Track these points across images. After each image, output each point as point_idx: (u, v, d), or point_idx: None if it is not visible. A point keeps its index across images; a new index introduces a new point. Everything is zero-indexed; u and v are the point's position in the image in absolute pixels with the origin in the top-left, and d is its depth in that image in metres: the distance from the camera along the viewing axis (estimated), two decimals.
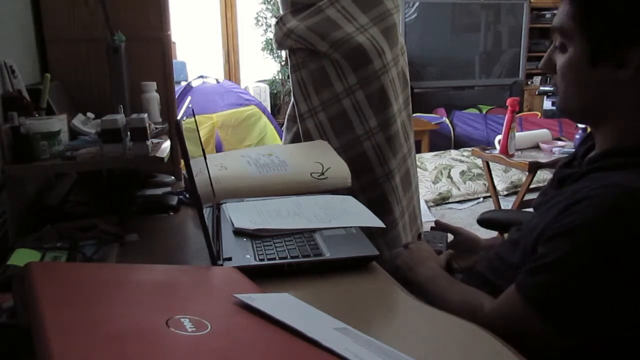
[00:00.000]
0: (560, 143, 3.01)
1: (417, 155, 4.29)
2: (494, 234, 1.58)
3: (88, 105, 1.47)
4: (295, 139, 1.87)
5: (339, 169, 1.45)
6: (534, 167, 2.73)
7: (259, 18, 4.95)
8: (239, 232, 1.08)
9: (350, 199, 1.29)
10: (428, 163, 4.14)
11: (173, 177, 1.62)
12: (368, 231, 1.11)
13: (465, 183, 3.90)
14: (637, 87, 0.80)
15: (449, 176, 3.95)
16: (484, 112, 5.13)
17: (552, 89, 4.59)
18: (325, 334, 0.65)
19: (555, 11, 0.90)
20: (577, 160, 0.94)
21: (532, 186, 2.89)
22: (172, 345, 0.56)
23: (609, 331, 0.77)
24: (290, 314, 0.70)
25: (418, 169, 3.98)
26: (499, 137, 2.92)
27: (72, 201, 1.40)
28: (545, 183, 1.03)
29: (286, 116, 1.94)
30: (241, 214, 1.16)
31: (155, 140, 1.33)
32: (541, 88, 5.20)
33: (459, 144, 4.86)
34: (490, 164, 3.13)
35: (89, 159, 1.19)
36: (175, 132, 1.33)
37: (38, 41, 1.54)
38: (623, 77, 0.79)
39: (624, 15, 0.78)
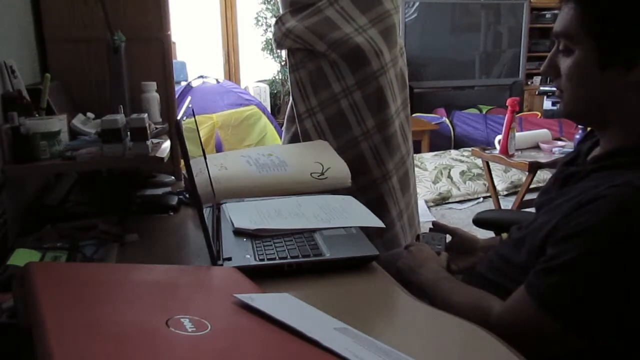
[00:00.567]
0: (560, 143, 3.01)
1: (417, 155, 4.30)
2: (492, 234, 1.58)
3: (88, 105, 1.47)
4: (294, 140, 1.88)
5: (338, 169, 1.45)
6: (534, 167, 2.73)
7: (259, 18, 4.95)
8: (239, 232, 1.08)
9: (350, 199, 1.29)
10: (428, 163, 4.13)
11: (173, 177, 1.62)
12: (365, 232, 1.11)
13: (465, 183, 3.90)
14: None
15: (449, 176, 3.95)
16: (484, 112, 5.13)
17: (552, 89, 4.59)
18: (325, 334, 0.65)
19: (555, 11, 0.89)
20: (580, 159, 0.94)
21: (532, 186, 2.88)
22: (172, 345, 0.56)
23: (623, 331, 0.76)
24: (290, 314, 0.70)
25: (418, 169, 4.01)
26: (499, 137, 2.92)
27: (72, 201, 1.40)
28: (546, 183, 1.03)
29: (285, 116, 1.94)
30: (241, 214, 1.16)
31: (155, 140, 1.33)
32: (541, 88, 5.20)
33: (459, 144, 4.86)
34: (490, 164, 3.13)
35: (89, 159, 1.19)
36: (175, 132, 1.33)
37: (38, 41, 1.54)
38: (633, 79, 0.79)
39: (633, 19, 0.78)
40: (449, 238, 1.27)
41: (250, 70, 5.26)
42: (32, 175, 1.36)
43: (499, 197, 3.42)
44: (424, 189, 3.80)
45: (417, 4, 5.15)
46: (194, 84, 4.29)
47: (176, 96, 2.07)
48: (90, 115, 1.41)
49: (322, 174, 1.41)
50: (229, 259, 0.96)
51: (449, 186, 3.86)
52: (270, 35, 4.94)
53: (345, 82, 1.72)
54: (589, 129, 1.00)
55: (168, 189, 1.51)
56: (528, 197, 2.85)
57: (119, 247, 1.12)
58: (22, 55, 1.42)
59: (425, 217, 3.47)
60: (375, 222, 1.15)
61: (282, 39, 1.74)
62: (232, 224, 1.11)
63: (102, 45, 1.46)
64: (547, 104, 4.90)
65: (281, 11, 1.79)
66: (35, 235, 1.13)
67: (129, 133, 1.21)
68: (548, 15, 5.67)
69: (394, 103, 1.80)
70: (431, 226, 1.31)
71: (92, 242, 1.11)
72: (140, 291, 0.72)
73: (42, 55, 1.56)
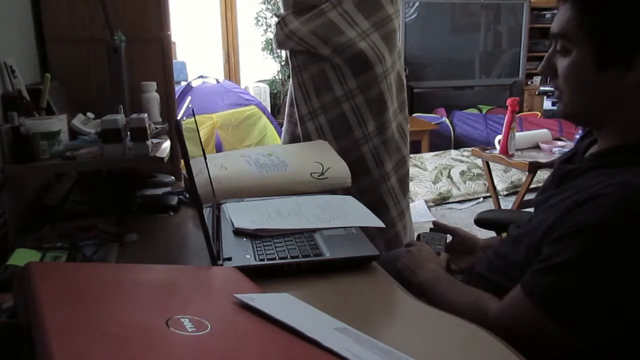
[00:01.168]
0: (560, 143, 3.01)
1: (417, 155, 4.30)
2: (493, 234, 1.58)
3: (88, 105, 1.47)
4: (294, 141, 1.88)
5: (339, 169, 1.46)
6: (534, 167, 2.73)
7: (259, 18, 4.95)
8: (239, 232, 1.08)
9: (350, 199, 1.29)
10: (428, 163, 4.13)
11: (173, 177, 1.62)
12: (367, 232, 1.11)
13: (465, 183, 3.89)
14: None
15: (449, 176, 3.95)
16: (484, 112, 5.13)
17: (552, 89, 4.59)
18: (325, 334, 0.65)
19: (555, 11, 0.88)
20: (577, 156, 0.94)
21: (532, 186, 2.88)
22: (172, 345, 0.56)
23: (621, 329, 0.76)
24: (290, 314, 0.70)
25: (418, 169, 4.01)
26: (499, 137, 2.92)
27: (72, 201, 1.40)
28: (544, 181, 1.03)
29: (285, 117, 1.94)
30: (241, 214, 1.16)
31: (155, 140, 1.33)
32: (541, 88, 5.20)
33: (459, 144, 4.86)
34: (490, 164, 3.13)
35: (89, 159, 1.19)
36: (175, 132, 1.33)
37: (38, 41, 1.54)
38: (631, 80, 0.79)
39: (631, 20, 0.77)
40: (449, 238, 1.27)
41: (250, 70, 5.26)
42: (32, 175, 1.36)
43: (499, 197, 3.42)
44: (424, 189, 3.80)
45: (417, 4, 5.15)
46: (194, 84, 4.29)
47: (176, 96, 2.07)
48: (90, 115, 1.41)
49: (322, 174, 1.42)
50: (229, 259, 0.96)
51: (449, 186, 3.86)
52: (270, 35, 4.94)
53: (348, 85, 1.73)
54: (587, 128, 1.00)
55: (168, 189, 1.51)
56: (528, 197, 2.85)
57: (119, 247, 1.12)
58: (22, 55, 1.42)
59: (425, 217, 3.47)
60: (375, 222, 1.15)
61: (285, 40, 1.74)
62: (232, 224, 1.11)
63: (102, 45, 1.46)
64: (547, 104, 4.90)
65: (282, 10, 1.79)
66: (35, 235, 1.13)
67: (129, 133, 1.21)
68: (548, 15, 5.67)
69: (391, 106, 1.81)
70: (432, 226, 1.31)
71: (92, 242, 1.11)
72: (140, 291, 0.72)
73: (42, 55, 1.56)
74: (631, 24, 0.78)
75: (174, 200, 1.39)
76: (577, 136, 2.86)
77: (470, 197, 3.82)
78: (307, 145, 1.70)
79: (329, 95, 1.75)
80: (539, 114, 5.26)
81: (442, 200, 3.76)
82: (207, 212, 1.14)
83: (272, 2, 4.88)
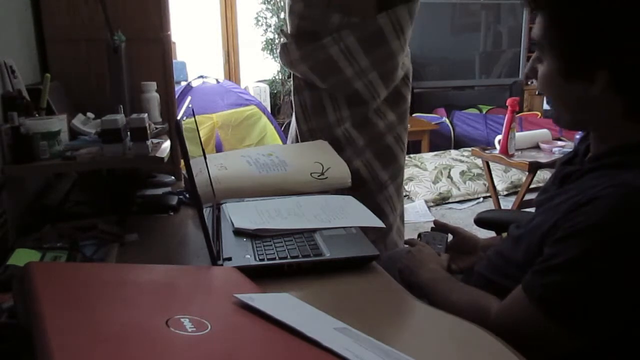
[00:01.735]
0: (560, 143, 3.01)
1: (417, 155, 4.30)
2: (493, 234, 1.58)
3: (88, 105, 1.47)
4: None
5: (339, 169, 1.46)
6: (534, 167, 2.73)
7: (259, 18, 4.94)
8: (239, 232, 1.08)
9: (350, 199, 1.29)
10: (428, 163, 4.13)
11: (173, 177, 1.62)
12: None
13: (465, 183, 3.89)
14: (608, 102, 0.80)
15: (449, 176, 3.95)
16: (484, 112, 5.13)
17: None
18: (325, 334, 0.65)
19: None
20: (578, 158, 0.94)
21: (532, 186, 2.88)
22: (172, 345, 0.56)
23: (621, 330, 0.76)
24: (290, 314, 0.70)
25: (418, 169, 4.01)
26: (499, 137, 2.92)
27: (72, 201, 1.40)
28: (546, 182, 1.03)
29: (289, 134, 1.97)
30: (241, 214, 1.16)
31: (155, 140, 1.33)
32: None
33: (459, 144, 4.86)
34: (490, 164, 3.13)
35: (89, 159, 1.19)
36: (175, 132, 1.33)
37: (38, 41, 1.54)
38: (595, 92, 0.80)
39: (591, 40, 0.78)
40: (450, 237, 1.26)
41: (250, 70, 5.26)
42: (32, 175, 1.36)
43: (499, 197, 3.42)
44: (424, 189, 3.80)
45: None
46: (194, 84, 4.29)
47: (176, 96, 2.07)
48: (90, 115, 1.41)
49: (322, 174, 1.42)
50: (229, 259, 0.96)
51: (449, 186, 3.86)
52: (270, 35, 4.95)
53: (341, 113, 1.81)
54: None
55: (168, 189, 1.51)
56: (528, 197, 2.85)
57: (119, 247, 1.12)
58: (22, 55, 1.42)
59: (426, 217, 3.47)
60: (375, 222, 1.15)
61: (287, 65, 1.83)
62: (232, 224, 1.11)
63: (102, 45, 1.46)
64: (547, 104, 4.90)
65: (288, 29, 1.81)
66: (35, 235, 1.13)
67: (129, 133, 1.21)
68: None
69: (383, 120, 1.83)
70: (432, 225, 1.31)
71: (92, 242, 1.11)
72: (140, 291, 0.72)
73: (42, 55, 1.56)
74: (590, 44, 0.78)
75: (174, 200, 1.39)
76: (578, 136, 2.86)
77: (470, 197, 3.82)
78: (307, 146, 1.71)
79: (324, 121, 1.82)
80: (539, 114, 5.26)
81: (442, 200, 3.76)
82: (207, 212, 1.14)
83: (272, 2, 4.88)
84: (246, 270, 0.90)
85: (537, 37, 0.84)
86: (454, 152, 4.41)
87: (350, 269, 0.98)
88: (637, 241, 0.73)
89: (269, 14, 4.93)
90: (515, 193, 3.62)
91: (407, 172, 3.83)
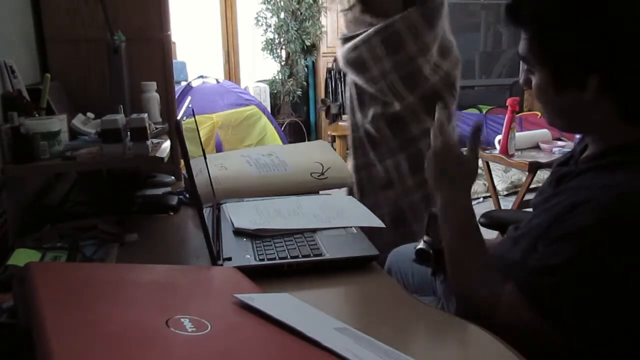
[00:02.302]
0: (560, 143, 3.00)
1: None
2: (494, 234, 1.58)
3: (88, 105, 1.47)
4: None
5: (339, 169, 1.46)
6: (534, 167, 2.72)
7: (259, 18, 4.94)
8: (239, 232, 1.08)
9: (350, 199, 1.29)
10: None
11: (173, 177, 1.62)
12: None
13: None
14: (601, 106, 0.81)
15: None
16: (484, 112, 5.12)
17: None
18: (325, 334, 0.65)
19: None
20: (574, 159, 0.94)
21: (532, 186, 2.88)
22: (172, 345, 0.56)
23: (616, 330, 0.77)
24: (290, 314, 0.70)
25: None
26: (499, 137, 2.91)
27: (72, 201, 1.40)
28: (543, 183, 1.03)
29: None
30: (241, 214, 1.16)
31: (155, 140, 1.33)
32: None
33: (459, 143, 4.85)
34: (490, 163, 3.12)
35: (89, 159, 1.19)
36: (175, 132, 1.33)
37: (38, 41, 1.54)
38: (587, 98, 0.80)
39: (579, 46, 0.79)
40: None
41: (250, 70, 5.26)
42: (32, 175, 1.36)
43: (499, 197, 3.41)
44: None
45: None
46: (194, 84, 4.29)
47: (176, 96, 2.07)
48: (90, 115, 1.41)
49: (322, 174, 1.42)
50: (229, 259, 0.96)
51: None
52: (270, 35, 4.95)
53: (375, 111, 1.83)
54: None
55: (168, 189, 1.51)
56: (528, 197, 2.84)
57: (119, 247, 1.12)
58: (22, 55, 1.42)
59: None
60: (376, 222, 1.15)
61: (338, 59, 1.92)
62: (232, 224, 1.11)
63: (102, 45, 1.46)
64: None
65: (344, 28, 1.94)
66: (35, 235, 1.13)
67: (129, 133, 1.21)
68: None
69: (418, 125, 1.81)
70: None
71: (92, 242, 1.11)
72: (140, 291, 0.72)
73: (42, 55, 1.56)
74: (579, 49, 0.79)
75: (174, 200, 1.39)
76: (578, 136, 2.86)
77: None
78: (307, 146, 1.71)
79: (361, 116, 1.86)
80: (539, 114, 5.25)
81: None
82: (207, 212, 1.14)
83: (272, 2, 4.88)
84: (246, 270, 0.90)
85: (524, 54, 0.85)
86: None
87: (350, 269, 0.98)
88: (629, 242, 0.73)
89: (269, 14, 4.93)
90: (515, 193, 3.61)
91: None
